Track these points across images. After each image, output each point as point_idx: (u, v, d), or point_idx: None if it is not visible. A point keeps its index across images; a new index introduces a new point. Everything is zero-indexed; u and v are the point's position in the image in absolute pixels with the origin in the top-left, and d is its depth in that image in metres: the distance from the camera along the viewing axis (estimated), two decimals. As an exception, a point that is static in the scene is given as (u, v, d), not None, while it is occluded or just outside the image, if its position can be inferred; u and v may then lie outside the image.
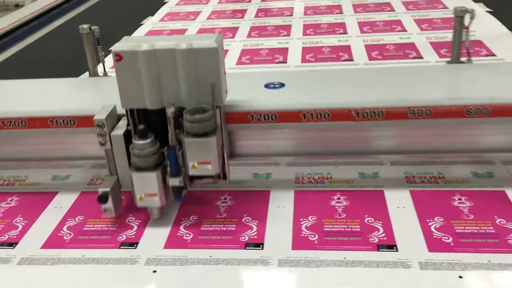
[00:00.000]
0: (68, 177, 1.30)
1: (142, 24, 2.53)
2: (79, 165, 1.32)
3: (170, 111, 1.01)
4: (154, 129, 1.05)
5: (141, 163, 1.02)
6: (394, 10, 2.41)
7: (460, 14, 1.32)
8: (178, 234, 1.07)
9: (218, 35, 1.03)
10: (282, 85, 1.22)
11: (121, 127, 1.07)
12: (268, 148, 1.23)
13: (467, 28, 1.33)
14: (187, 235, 1.06)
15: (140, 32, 2.39)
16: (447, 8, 2.36)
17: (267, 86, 1.22)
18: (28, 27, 2.64)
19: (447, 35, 1.95)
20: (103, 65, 1.44)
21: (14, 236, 1.09)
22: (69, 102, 1.24)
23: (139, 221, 1.11)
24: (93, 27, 1.37)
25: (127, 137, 1.05)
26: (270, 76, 1.30)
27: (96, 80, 1.44)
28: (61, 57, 2.15)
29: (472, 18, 1.31)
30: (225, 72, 1.06)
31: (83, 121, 1.14)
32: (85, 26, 1.36)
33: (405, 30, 2.13)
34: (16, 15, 2.78)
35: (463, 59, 1.38)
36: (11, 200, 1.23)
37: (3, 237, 1.09)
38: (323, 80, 1.31)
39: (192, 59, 0.99)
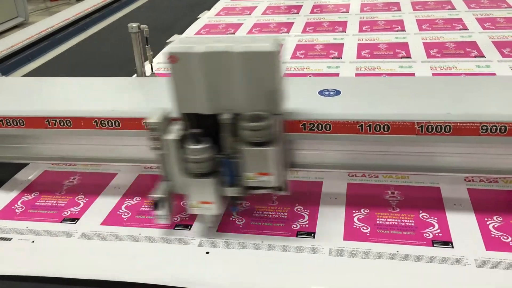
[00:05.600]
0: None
1: (199, 18, 2.58)
2: (123, 168, 1.30)
3: (225, 117, 0.94)
4: (207, 134, 0.97)
5: (196, 168, 0.96)
6: (455, 8, 2.34)
7: None
8: (231, 219, 1.09)
9: (276, 38, 0.94)
10: (337, 92, 1.11)
11: (174, 131, 0.99)
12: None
13: None
14: (240, 220, 1.08)
15: (196, 26, 2.44)
16: (511, 7, 2.28)
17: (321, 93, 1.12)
18: (91, 19, 2.75)
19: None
20: (151, 65, 1.40)
21: (76, 212, 1.15)
22: (113, 102, 1.16)
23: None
24: (142, 26, 1.31)
25: (181, 142, 0.98)
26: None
27: (142, 81, 1.36)
28: (116, 51, 2.21)
29: None
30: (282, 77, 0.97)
31: (128, 123, 1.08)
32: (134, 24, 1.31)
33: (466, 29, 2.07)
34: (79, 7, 2.90)
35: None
36: (74, 178, 1.29)
37: (66, 213, 1.15)
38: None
39: (249, 62, 0.91)
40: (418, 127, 0.97)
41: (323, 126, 1.00)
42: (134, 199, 1.18)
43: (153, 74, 1.42)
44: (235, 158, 0.95)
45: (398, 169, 1.12)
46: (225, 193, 0.99)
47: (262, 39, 0.93)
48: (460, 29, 2.07)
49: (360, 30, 2.19)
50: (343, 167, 1.11)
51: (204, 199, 0.98)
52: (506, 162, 1.04)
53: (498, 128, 0.95)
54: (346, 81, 1.34)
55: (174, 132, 0.98)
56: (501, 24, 2.08)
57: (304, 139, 1.04)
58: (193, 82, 0.94)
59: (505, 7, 2.29)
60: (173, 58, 0.93)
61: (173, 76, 0.95)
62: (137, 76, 1.40)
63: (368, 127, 0.99)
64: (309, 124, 1.01)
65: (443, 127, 0.96)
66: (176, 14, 2.73)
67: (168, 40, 2.27)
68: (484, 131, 0.95)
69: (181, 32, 2.36)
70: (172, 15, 2.73)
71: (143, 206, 1.15)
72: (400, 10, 2.40)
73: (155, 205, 1.00)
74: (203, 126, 0.98)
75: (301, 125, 1.01)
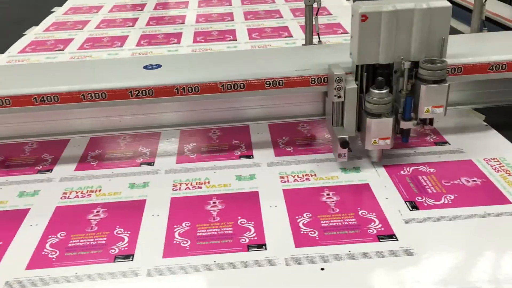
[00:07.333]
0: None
1: (25, 34, 2.39)
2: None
3: (407, 64, 1.16)
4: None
5: (379, 110, 1.17)
6: (282, 17, 2.48)
7: (309, 3, 1.47)
8: (43, 252, 1.01)
9: None
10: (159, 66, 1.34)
11: (351, 82, 1.20)
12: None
13: (316, 15, 1.47)
14: (53, 253, 1.01)
15: (22, 43, 2.26)
16: (331, 14, 2.48)
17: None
18: None
19: (328, 40, 2.06)
20: None
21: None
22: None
23: (1, 243, 1.04)
24: None
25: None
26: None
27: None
28: None
29: (319, 6, 1.45)
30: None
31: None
32: None
33: (291, 36, 2.20)
34: None
35: (315, 41, 1.53)
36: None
37: None
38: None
39: (428, 17, 1.14)
40: (220, 86, 1.22)
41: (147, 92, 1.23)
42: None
43: None
44: (412, 96, 1.18)
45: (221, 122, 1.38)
46: (403, 127, 1.21)
47: None
48: (286, 37, 2.20)
49: (194, 41, 2.21)
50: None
51: (383, 135, 1.19)
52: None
53: (277, 82, 1.24)
54: (166, 58, 1.51)
55: (352, 82, 1.20)
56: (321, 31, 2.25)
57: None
58: (377, 37, 1.15)
59: (326, 14, 2.49)
60: (364, 17, 1.12)
61: (360, 33, 1.15)
62: None
63: (182, 90, 1.23)
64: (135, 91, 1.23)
65: (238, 84, 1.23)
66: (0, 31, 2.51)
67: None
68: (268, 85, 1.24)
69: (3, 51, 2.17)
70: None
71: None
72: (233, 20, 2.47)
73: (344, 144, 1.19)
74: (375, 75, 1.20)
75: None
